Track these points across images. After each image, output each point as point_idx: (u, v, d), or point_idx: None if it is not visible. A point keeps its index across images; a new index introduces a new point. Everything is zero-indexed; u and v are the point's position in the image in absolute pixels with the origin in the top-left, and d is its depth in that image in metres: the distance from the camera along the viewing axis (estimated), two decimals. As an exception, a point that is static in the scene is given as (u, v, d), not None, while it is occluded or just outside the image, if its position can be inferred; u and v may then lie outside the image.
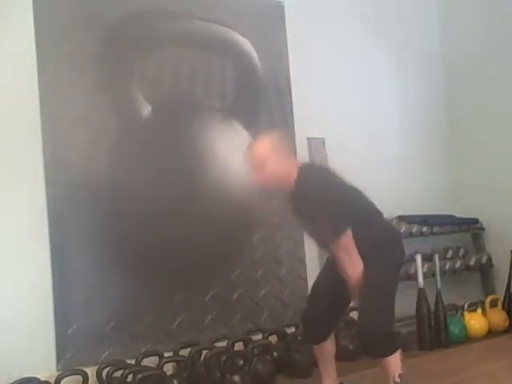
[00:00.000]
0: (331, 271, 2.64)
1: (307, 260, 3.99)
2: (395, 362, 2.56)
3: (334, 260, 2.60)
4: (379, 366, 2.70)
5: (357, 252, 2.49)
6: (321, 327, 2.74)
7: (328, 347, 2.78)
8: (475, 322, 4.08)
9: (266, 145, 2.54)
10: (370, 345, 2.53)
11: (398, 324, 3.49)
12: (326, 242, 2.58)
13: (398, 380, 2.55)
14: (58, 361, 3.10)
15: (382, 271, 2.53)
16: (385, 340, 2.52)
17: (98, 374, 3.03)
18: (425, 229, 4.42)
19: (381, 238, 2.58)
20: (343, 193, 2.58)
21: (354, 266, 2.49)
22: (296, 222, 2.73)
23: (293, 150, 2.64)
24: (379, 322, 2.49)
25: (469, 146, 4.87)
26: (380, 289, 2.53)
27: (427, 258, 4.15)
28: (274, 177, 2.53)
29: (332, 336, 2.80)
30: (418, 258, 3.93)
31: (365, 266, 2.50)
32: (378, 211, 2.68)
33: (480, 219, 4.75)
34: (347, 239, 2.47)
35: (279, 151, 2.53)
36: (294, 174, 2.54)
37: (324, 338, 2.76)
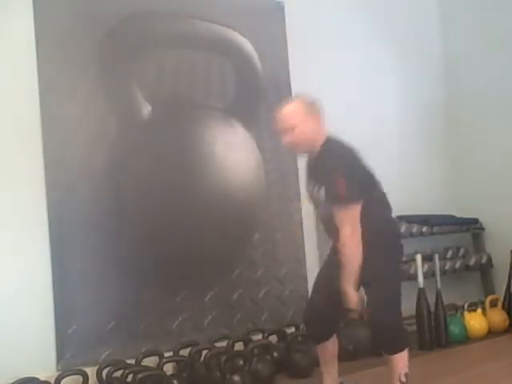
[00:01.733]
0: (333, 270, 2.64)
1: (307, 260, 3.98)
2: (402, 360, 2.57)
3: (334, 252, 2.60)
4: (379, 366, 2.71)
5: (360, 232, 2.45)
6: (323, 327, 2.74)
7: (330, 347, 2.78)
8: (475, 322, 4.08)
9: (298, 108, 2.58)
10: (380, 340, 2.56)
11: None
12: (334, 202, 2.49)
13: (403, 379, 2.55)
14: (58, 361, 3.10)
15: (387, 269, 2.55)
16: (394, 336, 2.55)
17: (98, 374, 3.04)
18: (425, 229, 4.42)
19: (383, 229, 2.60)
20: (363, 171, 2.59)
21: (355, 245, 2.44)
22: (309, 191, 2.71)
23: (323, 117, 2.66)
24: (390, 318, 2.52)
25: (469, 146, 4.87)
26: (387, 286, 2.55)
27: (427, 258, 4.15)
28: (302, 139, 2.57)
29: (335, 336, 2.79)
30: (418, 258, 3.93)
31: (368, 261, 2.48)
32: (388, 204, 2.69)
33: (480, 219, 4.75)
34: (356, 212, 2.45)
35: (310, 115, 2.57)
36: (322, 138, 2.59)
37: (326, 337, 2.76)
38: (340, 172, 2.45)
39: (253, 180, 3.85)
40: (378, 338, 2.60)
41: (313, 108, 2.61)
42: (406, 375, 2.56)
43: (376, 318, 2.54)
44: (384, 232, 2.61)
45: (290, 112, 2.59)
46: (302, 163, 4.04)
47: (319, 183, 2.60)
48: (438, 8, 5.10)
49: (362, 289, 2.56)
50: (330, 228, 2.63)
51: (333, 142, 2.61)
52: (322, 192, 2.57)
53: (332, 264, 2.69)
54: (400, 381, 2.55)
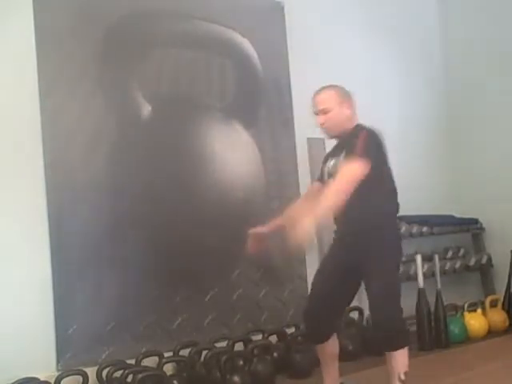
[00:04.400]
0: (331, 270, 2.64)
1: (307, 260, 3.98)
2: (403, 358, 2.58)
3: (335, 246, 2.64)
4: (379, 366, 2.71)
5: (352, 189, 2.42)
6: (323, 326, 2.74)
7: (331, 347, 2.78)
8: (475, 322, 4.08)
9: (333, 92, 2.70)
10: (381, 336, 2.57)
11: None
12: (348, 156, 2.52)
13: (403, 377, 2.55)
14: (58, 361, 3.09)
15: (387, 267, 2.58)
16: (395, 332, 2.56)
17: (98, 374, 3.04)
18: (425, 229, 4.42)
19: (387, 225, 2.64)
20: (387, 164, 2.66)
21: (341, 191, 2.42)
22: (322, 167, 2.77)
23: (356, 105, 2.76)
24: (391, 314, 2.54)
25: (469, 146, 4.87)
26: (388, 285, 2.56)
27: (427, 258, 4.15)
28: (335, 122, 2.68)
29: (335, 336, 2.79)
30: (418, 258, 3.93)
31: (368, 259, 2.52)
32: (397, 205, 2.74)
33: (480, 219, 4.75)
34: (361, 168, 2.44)
35: (344, 101, 2.70)
36: (352, 125, 2.69)
37: (326, 337, 2.76)
38: (366, 131, 2.58)
39: (253, 180, 3.85)
40: (378, 334, 2.60)
41: (347, 95, 2.73)
42: (406, 374, 2.57)
43: (377, 314, 2.54)
44: (385, 222, 2.65)
45: (326, 95, 2.70)
46: (302, 163, 4.07)
47: (338, 155, 2.66)
48: (438, 8, 5.10)
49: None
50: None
51: (363, 126, 2.69)
52: (332, 162, 2.66)
53: (331, 264, 2.69)
54: (400, 379, 2.55)
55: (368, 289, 2.61)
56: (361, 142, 2.51)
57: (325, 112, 2.68)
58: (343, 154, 2.61)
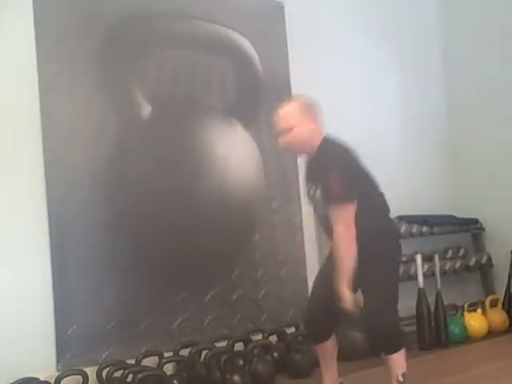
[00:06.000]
0: (332, 269, 2.64)
1: (307, 260, 3.98)
2: (400, 360, 2.57)
3: (332, 252, 2.59)
4: (379, 366, 2.70)
5: (355, 232, 2.44)
6: (322, 326, 2.74)
7: (330, 347, 2.78)
8: (475, 322, 4.08)
9: (295, 109, 2.59)
10: (378, 340, 2.57)
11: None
12: (329, 202, 2.50)
13: (401, 379, 2.55)
14: (58, 361, 3.10)
15: (384, 269, 2.55)
16: (392, 336, 2.55)
17: (98, 374, 3.04)
18: (425, 229, 4.42)
19: (380, 230, 2.60)
20: (360, 171, 2.60)
21: (349, 244, 2.44)
22: (307, 191, 2.71)
23: (320, 118, 2.67)
24: (387, 318, 2.52)
25: (469, 146, 4.87)
26: (384, 287, 2.55)
27: (427, 258, 4.14)
28: (299, 140, 2.58)
29: (334, 336, 2.79)
30: (418, 258, 3.93)
31: (364, 262, 2.47)
32: (385, 204, 2.70)
33: (480, 219, 4.75)
34: (351, 211, 2.45)
35: (307, 116, 2.58)
36: (319, 139, 2.60)
37: (326, 337, 2.76)
38: (335, 171, 2.46)
39: (253, 180, 3.85)
40: (375, 338, 2.60)
41: (310, 109, 2.61)
42: (404, 375, 2.56)
43: (373, 318, 2.53)
44: (381, 231, 2.61)
45: (287, 113, 2.59)
46: (302, 163, 4.07)
47: (316, 184, 2.60)
48: (438, 8, 5.10)
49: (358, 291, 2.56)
50: (328, 229, 2.63)
51: (329, 143, 2.61)
52: (319, 193, 2.57)
53: (331, 264, 2.69)
54: (398, 381, 2.55)
55: (365, 292, 2.59)
56: (335, 185, 2.43)
57: (288, 130, 2.56)
58: (319, 192, 2.55)
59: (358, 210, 2.48)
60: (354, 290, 2.51)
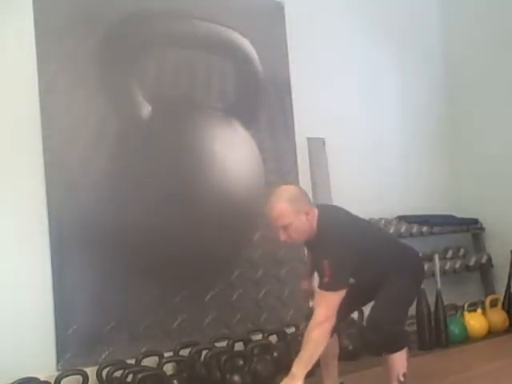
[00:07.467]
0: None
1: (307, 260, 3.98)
2: (401, 360, 2.58)
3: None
4: (379, 366, 2.70)
5: (331, 326, 2.43)
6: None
7: (331, 347, 2.77)
8: (475, 322, 4.08)
9: (286, 208, 2.48)
10: (379, 339, 2.57)
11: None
12: (320, 287, 2.49)
13: (402, 379, 2.55)
14: (58, 361, 3.09)
15: (398, 285, 2.58)
16: (393, 335, 2.56)
17: (98, 374, 3.03)
18: (425, 229, 4.42)
19: (396, 263, 2.64)
20: (355, 234, 2.58)
21: (323, 335, 2.41)
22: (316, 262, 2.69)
23: (307, 196, 2.62)
24: (389, 318, 2.53)
25: (469, 146, 4.87)
26: (395, 296, 2.58)
27: (427, 258, 4.15)
28: (297, 235, 2.54)
29: (335, 336, 2.79)
30: (418, 258, 3.93)
31: (384, 284, 2.55)
32: (390, 237, 2.83)
33: (480, 219, 4.75)
34: (336, 300, 2.42)
35: (297, 207, 2.49)
36: (315, 224, 2.55)
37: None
38: (329, 262, 2.42)
39: (253, 180, 3.85)
40: (376, 337, 2.60)
41: (299, 202, 2.52)
42: (404, 375, 2.57)
43: (375, 317, 2.54)
44: (398, 263, 2.65)
45: (280, 214, 2.49)
46: (302, 163, 4.07)
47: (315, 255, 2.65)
48: (437, 8, 5.10)
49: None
50: None
51: (324, 224, 2.55)
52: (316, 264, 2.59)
53: None
54: (398, 380, 2.56)
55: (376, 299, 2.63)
56: (327, 273, 2.41)
57: (284, 228, 2.50)
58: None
59: (371, 260, 2.55)
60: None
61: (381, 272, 2.59)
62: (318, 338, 2.40)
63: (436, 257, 4.12)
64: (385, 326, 2.52)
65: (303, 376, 2.37)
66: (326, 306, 2.42)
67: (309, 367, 2.39)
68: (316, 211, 2.57)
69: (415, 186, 4.62)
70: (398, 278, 2.58)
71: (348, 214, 2.69)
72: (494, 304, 4.28)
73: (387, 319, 2.53)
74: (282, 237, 2.53)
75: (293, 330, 3.68)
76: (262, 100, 3.94)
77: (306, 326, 2.48)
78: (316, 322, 2.41)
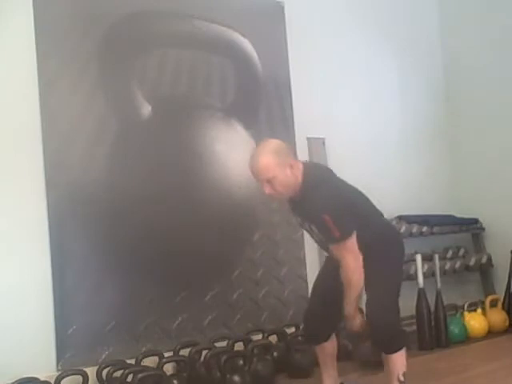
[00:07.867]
0: (332, 271, 2.64)
1: (307, 260, 3.98)
2: (401, 359, 2.58)
3: (335, 261, 2.59)
4: (379, 366, 2.70)
5: (361, 258, 2.49)
6: (322, 327, 2.75)
7: (329, 347, 2.79)
8: (475, 322, 4.08)
9: (269, 161, 2.47)
10: (379, 340, 2.58)
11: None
12: (331, 242, 2.53)
13: (402, 378, 2.55)
14: (58, 361, 3.09)
15: (386, 270, 2.57)
16: (393, 336, 2.56)
17: (98, 374, 3.03)
18: (425, 229, 4.42)
19: (380, 237, 2.61)
20: (345, 192, 2.61)
21: (360, 275, 2.49)
22: (298, 222, 2.71)
23: (292, 150, 2.64)
24: (388, 319, 2.53)
25: (469, 146, 4.87)
26: (386, 286, 2.56)
27: (427, 258, 4.15)
28: (281, 189, 2.52)
29: (333, 336, 2.80)
30: (418, 258, 3.93)
31: (367, 264, 2.50)
32: (376, 210, 2.71)
33: (480, 219, 4.75)
34: (354, 242, 2.48)
35: (282, 159, 2.48)
36: (300, 177, 2.54)
37: (325, 338, 2.77)
38: (327, 218, 2.43)
39: (253, 180, 3.83)
40: (376, 338, 2.61)
41: (283, 155, 2.51)
42: (404, 374, 2.57)
43: (375, 318, 2.54)
44: (381, 237, 2.63)
45: (264, 167, 2.48)
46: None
47: (309, 221, 2.59)
48: (437, 8, 5.10)
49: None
50: (325, 247, 2.68)
51: (311, 174, 2.56)
52: (314, 227, 2.57)
53: (331, 265, 2.69)
54: (398, 380, 2.56)
55: (367, 291, 2.60)
56: (333, 229, 2.43)
57: (268, 181, 2.49)
58: (315, 226, 2.55)
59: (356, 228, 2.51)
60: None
61: (365, 243, 2.51)
62: (358, 281, 2.49)
63: (436, 257, 4.12)
64: (382, 327, 2.51)
65: (357, 313, 2.57)
66: (350, 252, 2.48)
67: (358, 306, 2.57)
68: (301, 165, 2.57)
69: (415, 186, 4.61)
70: (382, 264, 2.56)
71: (334, 174, 2.69)
72: (493, 304, 4.28)
73: (383, 320, 2.51)
74: (267, 190, 2.53)
75: (293, 329, 3.67)
76: (261, 100, 3.94)
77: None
78: (351, 270, 2.48)
